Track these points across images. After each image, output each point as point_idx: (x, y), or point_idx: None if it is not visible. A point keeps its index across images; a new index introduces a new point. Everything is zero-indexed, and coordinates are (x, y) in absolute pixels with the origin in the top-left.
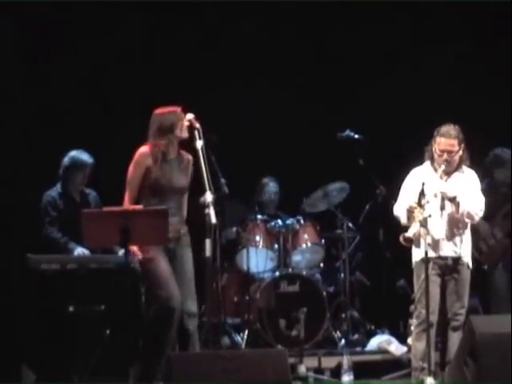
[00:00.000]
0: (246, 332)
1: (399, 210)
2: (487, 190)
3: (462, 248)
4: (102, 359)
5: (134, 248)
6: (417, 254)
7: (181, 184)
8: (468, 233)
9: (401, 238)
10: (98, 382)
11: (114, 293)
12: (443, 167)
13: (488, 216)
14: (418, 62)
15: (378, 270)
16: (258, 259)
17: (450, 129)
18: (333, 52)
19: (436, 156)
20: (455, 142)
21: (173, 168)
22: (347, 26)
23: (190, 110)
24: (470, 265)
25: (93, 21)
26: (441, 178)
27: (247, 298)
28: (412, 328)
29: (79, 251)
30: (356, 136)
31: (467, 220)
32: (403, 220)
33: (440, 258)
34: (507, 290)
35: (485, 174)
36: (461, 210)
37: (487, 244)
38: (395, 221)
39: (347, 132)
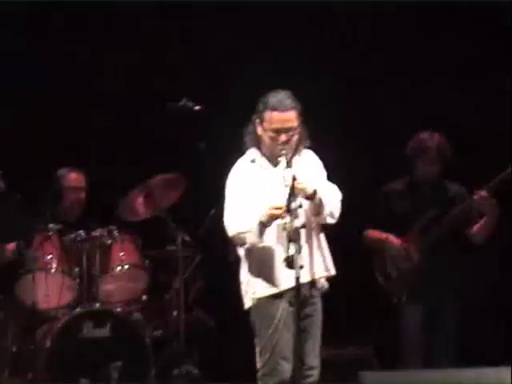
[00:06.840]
0: None
1: (242, 225)
2: (406, 192)
3: (321, 266)
4: None
5: None
6: (262, 288)
7: None
8: (325, 242)
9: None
10: None
11: None
12: (284, 154)
13: (402, 229)
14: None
15: (226, 303)
16: (48, 289)
17: (282, 98)
18: None
19: (267, 139)
20: (293, 114)
21: None
22: None
23: None
24: (326, 286)
25: None
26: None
27: (32, 346)
28: None
29: None
30: (196, 107)
31: (330, 221)
32: (252, 239)
33: (294, 287)
34: (420, 334)
35: (404, 168)
36: (326, 210)
37: (398, 267)
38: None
39: (184, 101)
